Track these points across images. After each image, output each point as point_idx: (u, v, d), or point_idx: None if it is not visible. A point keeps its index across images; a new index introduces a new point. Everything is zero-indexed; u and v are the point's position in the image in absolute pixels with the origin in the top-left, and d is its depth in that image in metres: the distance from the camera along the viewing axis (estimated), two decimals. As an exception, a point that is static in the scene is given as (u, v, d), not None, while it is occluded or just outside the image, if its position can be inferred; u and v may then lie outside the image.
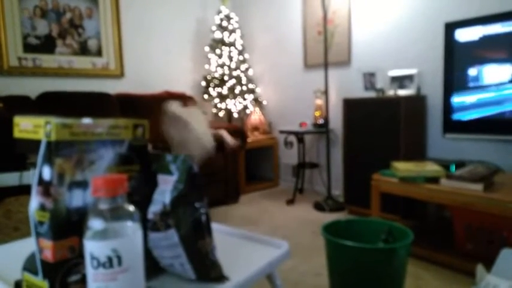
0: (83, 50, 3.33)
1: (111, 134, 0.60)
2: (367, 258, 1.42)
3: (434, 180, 2.03)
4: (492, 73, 2.23)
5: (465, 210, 1.93)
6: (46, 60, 3.13)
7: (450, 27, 2.39)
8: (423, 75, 2.79)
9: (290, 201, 3.35)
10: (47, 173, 0.53)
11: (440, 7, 2.68)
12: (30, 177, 1.72)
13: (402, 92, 2.77)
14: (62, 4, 3.19)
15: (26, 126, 0.57)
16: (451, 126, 2.44)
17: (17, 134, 0.58)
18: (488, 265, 1.44)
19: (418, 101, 2.73)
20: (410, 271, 1.95)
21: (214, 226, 0.99)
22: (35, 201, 0.55)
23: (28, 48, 3.04)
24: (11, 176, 1.78)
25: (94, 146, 0.58)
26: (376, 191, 2.26)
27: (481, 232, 1.92)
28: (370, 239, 1.63)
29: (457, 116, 2.38)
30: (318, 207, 3.14)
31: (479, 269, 1.43)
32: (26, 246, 0.86)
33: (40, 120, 0.54)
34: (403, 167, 2.12)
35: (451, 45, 2.39)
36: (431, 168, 2.08)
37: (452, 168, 2.17)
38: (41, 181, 0.54)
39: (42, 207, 0.53)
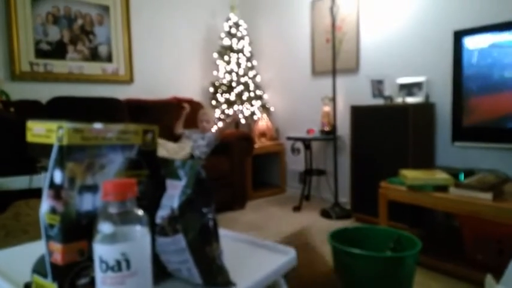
0: (94, 56, 3.38)
1: (121, 139, 0.61)
2: (374, 267, 1.41)
3: (442, 188, 2.01)
4: (501, 82, 2.21)
5: (474, 219, 1.91)
6: (57, 66, 3.18)
7: (459, 35, 2.38)
8: (432, 82, 2.78)
9: (297, 208, 3.33)
10: (58, 176, 0.54)
11: (449, 15, 2.68)
12: (40, 180, 1.74)
13: (410, 100, 2.76)
14: (73, 11, 3.24)
15: (38, 130, 0.58)
16: (460, 134, 2.42)
17: (30, 138, 0.59)
18: (498, 275, 1.42)
19: (426, 109, 2.72)
20: (418, 280, 1.93)
21: (221, 232, 0.99)
22: (45, 204, 0.55)
23: (40, 53, 3.09)
24: (20, 180, 1.80)
25: (104, 150, 0.59)
26: (383, 199, 2.24)
27: (490, 242, 1.89)
28: (378, 247, 1.62)
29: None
30: (325, 214, 3.12)
31: (488, 279, 1.41)
32: (34, 249, 0.87)
33: (53, 125, 0.55)
34: (411, 174, 2.11)
35: (459, 53, 2.38)
36: (439, 176, 2.07)
37: (461, 176, 2.15)
38: (52, 184, 0.54)
39: (52, 211, 0.54)
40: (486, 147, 2.49)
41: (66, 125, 0.54)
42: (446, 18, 2.70)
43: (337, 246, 1.49)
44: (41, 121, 0.59)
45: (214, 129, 3.29)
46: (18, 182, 1.76)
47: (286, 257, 0.85)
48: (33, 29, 3.04)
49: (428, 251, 2.07)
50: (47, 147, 0.55)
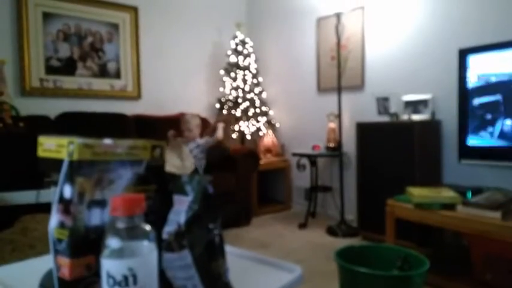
0: (102, 72, 3.43)
1: (130, 154, 0.62)
2: (381, 286, 1.39)
3: (450, 206, 1.99)
4: (506, 100, 2.21)
5: (483, 239, 1.88)
6: (66, 82, 3.24)
7: (464, 53, 2.40)
8: (438, 100, 2.78)
9: (302, 225, 3.31)
10: (67, 191, 0.55)
11: (454, 33, 2.70)
12: (47, 195, 1.75)
13: (416, 117, 2.76)
14: (83, 29, 3.32)
15: (49, 145, 0.59)
16: (467, 151, 2.41)
17: (41, 153, 0.60)
18: (509, 296, 1.39)
19: (432, 126, 2.71)
20: (427, 301, 1.89)
21: (226, 248, 0.99)
22: (55, 218, 0.56)
23: (50, 70, 3.15)
24: (28, 194, 1.82)
25: (113, 165, 0.59)
26: (390, 216, 2.22)
27: (500, 261, 1.86)
28: (385, 266, 1.60)
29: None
30: (331, 231, 3.09)
31: (499, 300, 1.37)
32: (41, 264, 0.87)
33: (63, 140, 0.56)
34: (418, 192, 2.09)
35: (464, 71, 2.39)
36: (447, 194, 2.05)
37: (469, 194, 2.12)
38: (61, 199, 0.55)
39: (61, 225, 0.55)
40: (493, 165, 2.47)
41: (77, 140, 0.55)
42: (451, 37, 2.72)
43: (343, 264, 1.47)
44: (52, 136, 0.60)
45: (198, 136, 3.24)
46: (26, 197, 1.77)
47: (292, 274, 0.84)
48: (44, 46, 3.11)
49: (437, 271, 2.04)
50: (57, 162, 0.56)
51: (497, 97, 2.24)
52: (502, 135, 2.24)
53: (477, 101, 2.34)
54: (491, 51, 2.26)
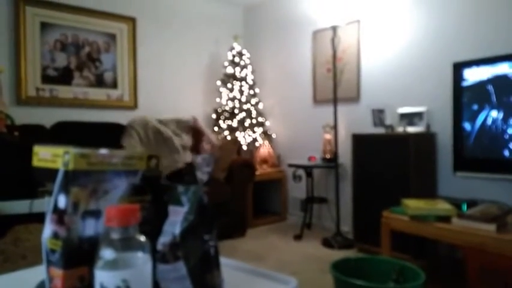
0: (99, 82, 3.44)
1: (126, 164, 0.62)
2: (377, 299, 1.37)
3: (445, 219, 1.99)
4: (500, 113, 2.23)
5: (478, 251, 1.88)
6: (62, 91, 3.23)
7: (458, 67, 2.43)
8: (433, 113, 2.80)
9: (298, 237, 3.29)
10: (62, 201, 0.54)
11: (448, 47, 2.74)
12: (41, 205, 1.73)
13: (411, 129, 2.78)
14: (81, 38, 3.33)
15: (44, 155, 0.59)
16: (462, 164, 2.42)
17: (36, 162, 0.60)
18: (504, 310, 1.39)
19: (427, 138, 2.73)
20: (423, 314, 1.87)
21: (221, 260, 0.98)
22: (48, 229, 0.55)
23: (46, 79, 3.14)
24: (21, 204, 1.80)
25: (109, 175, 0.59)
26: (386, 228, 2.22)
27: (495, 274, 1.85)
28: (381, 278, 1.59)
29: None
30: (327, 243, 3.08)
31: (495, 313, 1.37)
32: (32, 275, 0.86)
33: (59, 150, 0.56)
34: (413, 204, 2.09)
35: (459, 85, 2.42)
36: (442, 206, 2.05)
37: (464, 207, 2.13)
38: (56, 209, 0.55)
39: (55, 235, 0.54)
40: (488, 178, 2.49)
41: (72, 150, 0.55)
42: (445, 50, 2.75)
43: (339, 277, 1.46)
44: (47, 146, 0.59)
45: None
46: (19, 206, 1.75)
47: (287, 287, 0.83)
48: (41, 55, 3.11)
49: (432, 283, 2.03)
50: (52, 172, 0.56)
51: (491, 110, 2.27)
52: (495, 148, 2.25)
53: (471, 114, 2.36)
54: (485, 65, 2.30)
